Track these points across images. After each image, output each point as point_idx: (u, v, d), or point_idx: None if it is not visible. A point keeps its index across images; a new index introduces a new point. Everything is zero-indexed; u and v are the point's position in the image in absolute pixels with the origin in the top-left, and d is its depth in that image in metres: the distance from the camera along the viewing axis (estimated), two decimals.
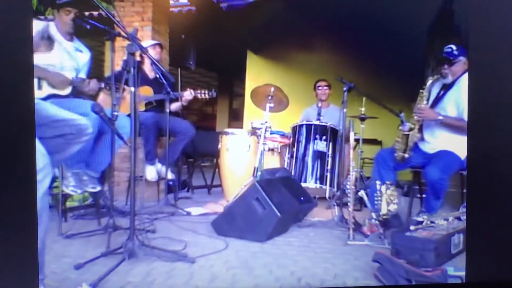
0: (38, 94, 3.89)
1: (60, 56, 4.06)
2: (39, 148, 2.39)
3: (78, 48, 4.29)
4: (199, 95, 5.43)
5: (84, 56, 4.35)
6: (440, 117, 4.17)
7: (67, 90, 4.11)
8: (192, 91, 5.44)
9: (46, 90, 3.97)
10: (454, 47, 4.29)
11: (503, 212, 2.56)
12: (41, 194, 2.33)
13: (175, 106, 5.62)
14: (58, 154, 3.60)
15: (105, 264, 2.99)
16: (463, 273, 2.68)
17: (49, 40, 3.54)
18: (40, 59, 3.80)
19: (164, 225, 4.34)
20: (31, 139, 2.26)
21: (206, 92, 5.43)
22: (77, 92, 4.23)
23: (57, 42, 4.03)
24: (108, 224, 3.76)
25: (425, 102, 4.25)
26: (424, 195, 4.51)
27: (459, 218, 3.71)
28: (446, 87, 4.34)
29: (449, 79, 4.28)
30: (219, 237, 3.91)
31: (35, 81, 3.88)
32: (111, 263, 2.96)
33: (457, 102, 4.16)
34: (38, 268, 2.30)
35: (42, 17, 4.15)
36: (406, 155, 4.27)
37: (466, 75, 4.15)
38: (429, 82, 4.27)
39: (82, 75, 4.30)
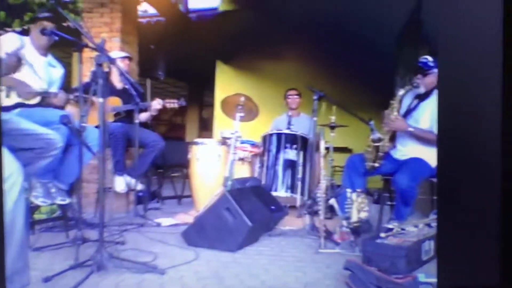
0: (6, 102, 3.85)
1: (33, 71, 4.04)
2: (6, 156, 2.35)
3: (51, 63, 4.27)
4: (167, 105, 5.41)
5: (57, 72, 4.34)
6: (411, 129, 4.20)
7: (35, 100, 4.07)
8: (160, 100, 5.41)
9: (14, 98, 3.94)
10: (430, 58, 4.31)
11: (473, 218, 2.57)
12: (11, 203, 2.29)
13: (144, 116, 5.57)
14: (27, 168, 3.55)
15: (73, 277, 2.94)
16: (434, 280, 2.69)
17: (18, 62, 3.50)
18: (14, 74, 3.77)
19: (133, 236, 4.29)
20: None
21: (175, 101, 5.41)
22: (46, 103, 4.19)
23: (30, 58, 3.99)
24: (77, 236, 3.71)
25: (395, 113, 4.28)
26: (394, 203, 4.53)
27: (429, 225, 3.74)
28: (420, 98, 4.37)
29: (421, 89, 4.32)
30: (189, 247, 3.87)
31: (4, 89, 3.84)
32: (80, 275, 2.92)
33: (432, 114, 4.18)
34: (5, 279, 2.26)
35: (9, 29, 4.11)
36: (376, 165, 4.29)
37: None
38: (401, 92, 4.27)
39: (54, 89, 4.26)
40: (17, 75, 3.83)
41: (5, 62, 3.40)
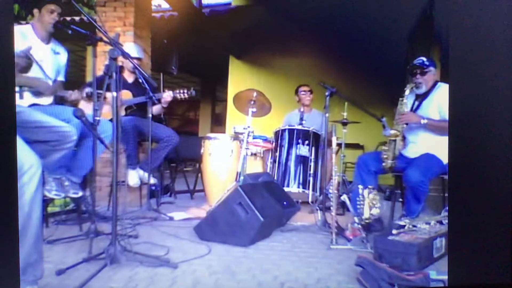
0: (20, 103, 3.85)
1: (39, 66, 4.03)
2: (25, 149, 2.38)
3: (55, 50, 4.24)
4: (178, 95, 5.37)
5: (62, 58, 4.31)
6: (424, 120, 4.19)
7: (49, 100, 4.09)
8: (171, 92, 5.38)
9: (29, 99, 3.94)
10: (424, 58, 4.43)
11: (484, 215, 2.57)
12: (29, 196, 2.32)
13: (156, 109, 5.57)
14: (41, 160, 3.58)
15: (87, 270, 2.97)
16: (445, 277, 2.69)
17: (27, 62, 3.49)
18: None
19: (146, 230, 4.32)
20: (12, 142, 2.24)
21: (185, 91, 5.35)
22: (59, 100, 4.20)
23: (35, 50, 3.95)
24: (90, 229, 3.75)
25: (405, 108, 4.29)
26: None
27: (441, 222, 3.73)
28: (420, 98, 4.43)
29: (423, 88, 4.35)
30: (201, 242, 3.89)
31: (17, 89, 3.83)
32: (93, 268, 2.94)
33: (439, 107, 4.20)
34: (19, 271, 2.28)
35: (23, 22, 4.10)
36: (394, 164, 4.28)
37: (440, 85, 4.35)
38: (407, 91, 4.33)
39: (61, 77, 4.27)
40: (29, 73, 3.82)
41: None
